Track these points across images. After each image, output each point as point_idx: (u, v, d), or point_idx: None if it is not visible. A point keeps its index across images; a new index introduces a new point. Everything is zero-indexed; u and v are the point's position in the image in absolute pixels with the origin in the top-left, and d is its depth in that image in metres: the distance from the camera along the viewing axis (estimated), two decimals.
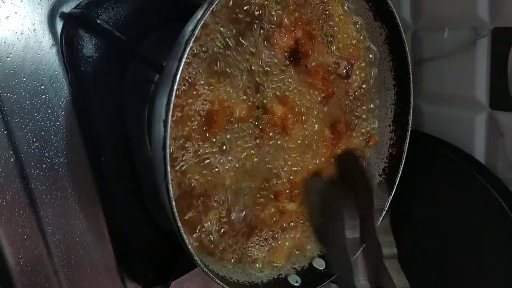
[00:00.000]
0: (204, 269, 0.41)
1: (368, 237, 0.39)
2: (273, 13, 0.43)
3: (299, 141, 0.48)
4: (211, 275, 0.41)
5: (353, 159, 0.42)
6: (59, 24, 0.42)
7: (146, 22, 0.46)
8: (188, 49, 0.36)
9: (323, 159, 0.51)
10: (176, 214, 0.38)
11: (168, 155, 0.36)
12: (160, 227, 0.50)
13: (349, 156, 0.42)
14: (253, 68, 0.43)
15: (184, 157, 0.41)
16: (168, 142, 0.36)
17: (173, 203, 0.37)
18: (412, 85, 0.52)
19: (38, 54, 0.41)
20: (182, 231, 0.38)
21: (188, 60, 0.40)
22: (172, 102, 0.35)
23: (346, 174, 0.41)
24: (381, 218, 0.51)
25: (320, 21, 0.47)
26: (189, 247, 0.39)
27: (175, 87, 0.35)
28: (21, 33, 0.40)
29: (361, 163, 0.41)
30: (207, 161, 0.43)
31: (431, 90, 0.66)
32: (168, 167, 0.36)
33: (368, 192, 0.39)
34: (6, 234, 0.42)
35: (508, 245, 0.61)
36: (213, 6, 0.37)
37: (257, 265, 0.48)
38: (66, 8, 0.42)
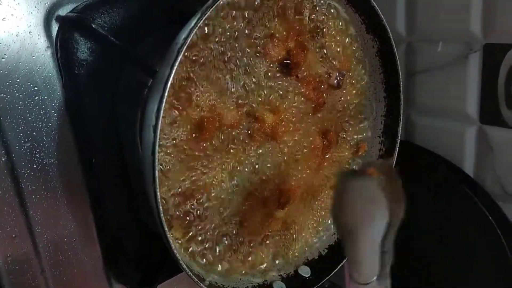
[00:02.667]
0: (189, 273, 0.41)
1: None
2: (267, 24, 0.44)
3: (288, 150, 0.49)
4: (196, 280, 0.42)
5: (393, 173, 0.42)
6: (55, 27, 0.43)
7: (141, 27, 0.47)
8: (180, 57, 0.36)
9: (312, 168, 0.51)
10: (163, 218, 0.38)
11: (157, 160, 0.36)
12: (149, 230, 0.51)
13: (390, 169, 0.42)
14: (244, 76, 0.44)
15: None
16: (157, 147, 0.36)
17: (161, 208, 0.38)
18: (402, 98, 0.52)
19: (33, 56, 0.42)
20: (169, 235, 0.39)
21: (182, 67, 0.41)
22: (163, 108, 0.36)
23: (386, 183, 0.41)
24: None
25: (313, 33, 0.47)
26: (175, 251, 0.40)
27: (166, 94, 0.36)
28: (17, 34, 0.41)
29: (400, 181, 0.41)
30: (196, 167, 0.43)
31: (423, 102, 0.67)
32: (157, 172, 0.36)
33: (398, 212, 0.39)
34: None
35: (494, 258, 0.62)
36: (207, 15, 0.37)
37: (243, 270, 0.48)
38: (62, 12, 0.43)
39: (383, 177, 0.39)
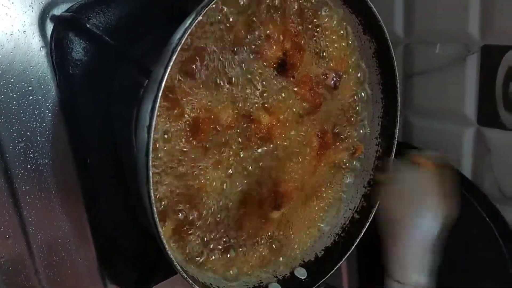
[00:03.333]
0: (184, 275, 0.41)
1: None
2: (263, 24, 0.43)
3: (284, 151, 0.49)
4: (190, 281, 0.41)
5: (447, 167, 0.40)
6: (49, 27, 0.43)
7: (139, 26, 0.47)
8: (174, 57, 0.36)
9: (309, 169, 0.51)
10: (157, 219, 0.38)
11: (150, 161, 0.36)
12: (144, 230, 0.50)
13: (445, 162, 0.41)
14: (240, 77, 0.44)
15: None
16: (151, 148, 0.36)
17: (154, 209, 0.37)
18: (399, 99, 0.52)
19: (27, 56, 0.42)
20: (162, 236, 0.39)
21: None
22: (157, 108, 0.36)
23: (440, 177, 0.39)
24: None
25: (309, 33, 0.47)
26: (169, 252, 0.39)
27: (160, 94, 0.36)
28: (11, 34, 0.41)
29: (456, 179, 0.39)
30: (191, 168, 0.43)
31: (421, 103, 0.67)
32: (150, 173, 0.36)
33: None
34: None
35: (492, 261, 0.62)
36: (201, 15, 0.37)
37: (238, 272, 0.48)
38: (57, 11, 0.43)
39: (437, 170, 0.38)
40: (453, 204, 0.39)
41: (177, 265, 0.40)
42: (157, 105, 0.36)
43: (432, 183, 0.38)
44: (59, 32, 0.42)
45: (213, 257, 0.46)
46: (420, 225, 0.38)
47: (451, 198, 0.39)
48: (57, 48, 0.43)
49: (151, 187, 0.37)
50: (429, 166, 0.40)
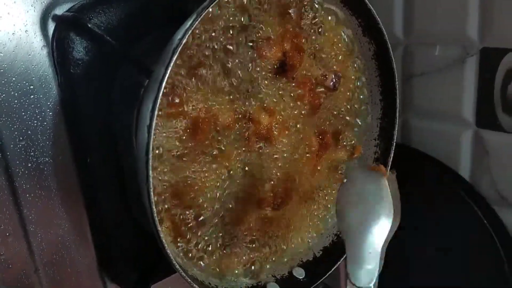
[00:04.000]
0: (183, 274, 0.41)
1: None
2: (263, 26, 0.44)
3: (284, 151, 0.49)
4: (189, 280, 0.42)
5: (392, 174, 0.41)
6: (51, 26, 0.43)
7: (139, 26, 0.47)
8: (175, 57, 0.36)
9: (308, 170, 0.51)
10: (157, 219, 0.38)
11: (150, 161, 0.36)
12: (144, 229, 0.51)
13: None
14: (240, 77, 0.44)
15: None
16: (151, 147, 0.36)
17: (154, 208, 0.38)
18: (398, 101, 0.52)
19: (29, 55, 0.42)
20: (162, 235, 0.39)
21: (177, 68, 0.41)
22: (157, 108, 0.36)
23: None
24: None
25: (309, 35, 0.47)
26: (168, 251, 0.40)
27: (161, 94, 0.36)
28: (13, 33, 0.41)
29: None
30: (190, 167, 0.43)
31: (420, 105, 0.67)
32: (150, 172, 0.36)
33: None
34: None
35: (490, 262, 0.62)
36: (202, 16, 0.37)
37: (236, 271, 0.48)
38: (59, 11, 0.43)
39: (387, 175, 0.38)
40: (399, 210, 0.40)
41: (176, 264, 0.40)
42: (158, 104, 0.36)
43: (386, 188, 0.39)
44: (61, 31, 0.43)
45: (212, 257, 0.46)
46: (376, 230, 0.39)
47: (398, 204, 0.40)
48: (58, 47, 0.43)
49: (151, 187, 0.37)
50: (384, 172, 0.40)
